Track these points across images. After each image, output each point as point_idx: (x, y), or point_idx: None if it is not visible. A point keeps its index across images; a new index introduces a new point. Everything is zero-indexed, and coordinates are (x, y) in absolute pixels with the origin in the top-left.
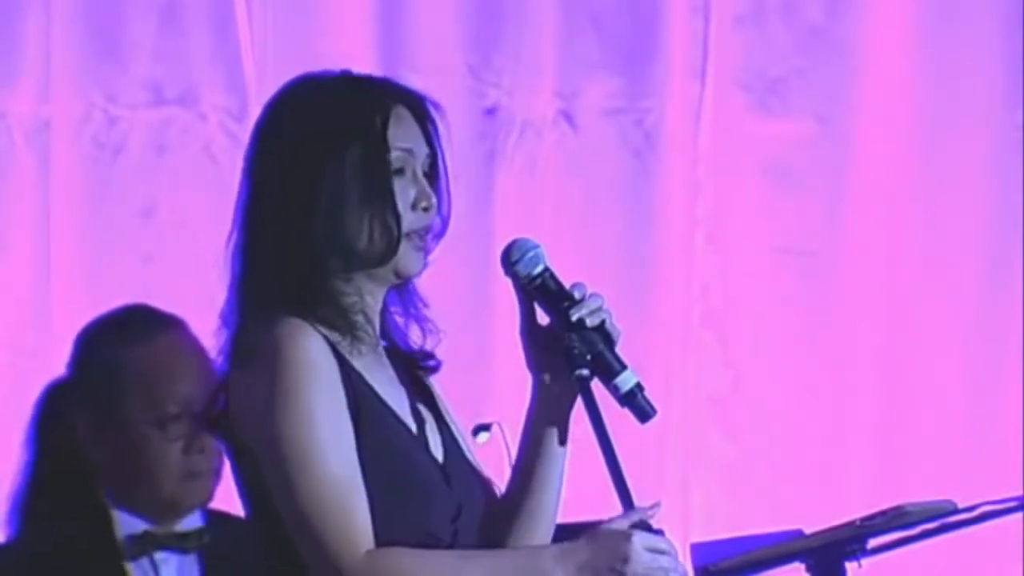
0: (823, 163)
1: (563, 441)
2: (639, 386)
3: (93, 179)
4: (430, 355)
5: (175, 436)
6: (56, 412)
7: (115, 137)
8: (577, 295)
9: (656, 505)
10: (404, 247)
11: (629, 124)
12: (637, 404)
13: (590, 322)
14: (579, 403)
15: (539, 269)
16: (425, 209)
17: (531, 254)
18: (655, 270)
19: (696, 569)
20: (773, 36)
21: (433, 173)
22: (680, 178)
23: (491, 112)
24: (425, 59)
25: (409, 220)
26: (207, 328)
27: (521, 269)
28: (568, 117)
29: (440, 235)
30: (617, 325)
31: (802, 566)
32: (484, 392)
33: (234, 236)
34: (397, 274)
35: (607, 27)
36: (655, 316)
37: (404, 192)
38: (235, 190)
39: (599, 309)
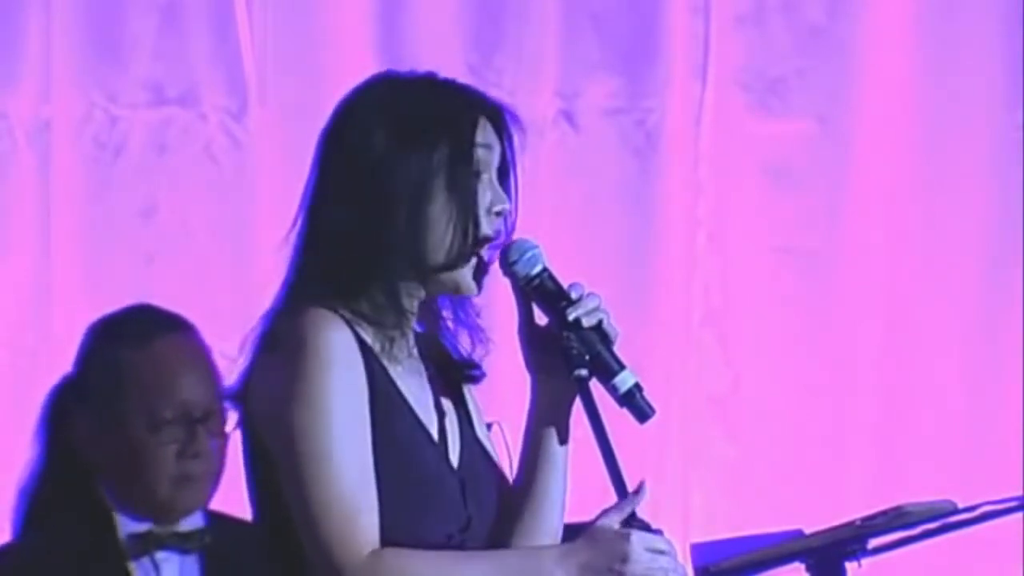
0: (823, 163)
1: (564, 440)
2: (637, 386)
3: (94, 179)
4: (476, 366)
5: (168, 440)
6: (63, 409)
7: (116, 137)
8: (575, 295)
9: (642, 487)
10: (469, 264)
11: (630, 124)
12: (636, 404)
13: (588, 322)
14: (579, 403)
15: (537, 269)
16: (498, 214)
17: (529, 254)
18: (655, 270)
19: (696, 569)
20: (773, 36)
21: (503, 183)
22: (681, 178)
23: None
24: (425, 59)
25: (483, 225)
26: (208, 328)
27: (519, 269)
28: (569, 117)
29: (499, 246)
30: (615, 325)
31: (802, 566)
32: (484, 392)
33: (299, 225)
34: (457, 289)
35: (608, 27)
36: (655, 316)
37: (481, 195)
38: (235, 190)
39: (597, 309)
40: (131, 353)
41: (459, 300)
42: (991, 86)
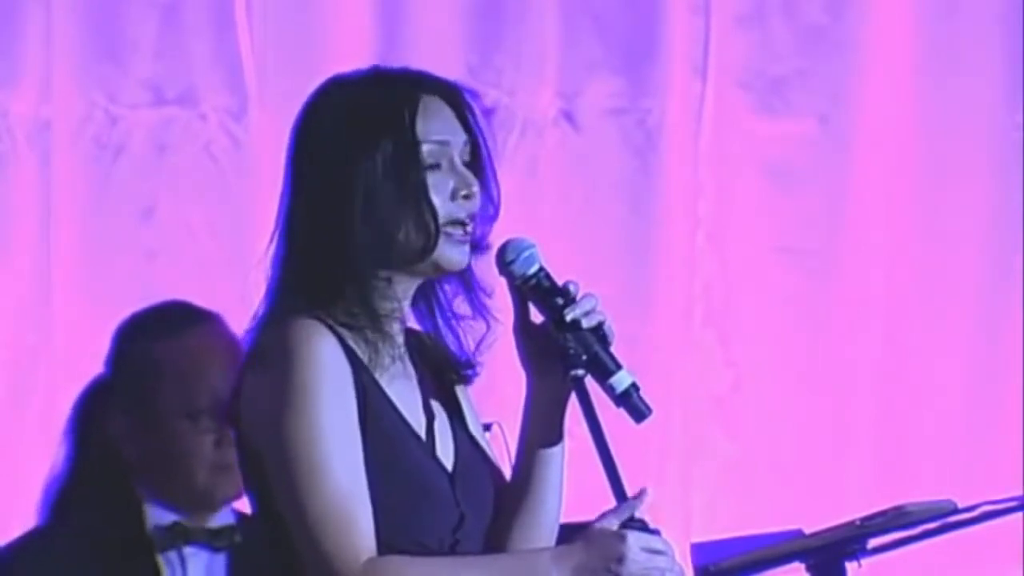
0: (824, 163)
1: (559, 438)
2: (634, 386)
3: (94, 179)
4: (470, 366)
5: (206, 428)
6: (94, 410)
7: (116, 137)
8: (572, 290)
9: (643, 492)
10: (443, 243)
11: (630, 124)
12: (632, 404)
13: (587, 323)
14: (576, 402)
15: (534, 269)
16: (466, 197)
17: (526, 254)
18: (656, 270)
19: (696, 569)
20: (774, 36)
21: (476, 160)
22: (681, 178)
23: (492, 112)
24: (425, 59)
25: (449, 210)
26: None
27: (516, 269)
28: (569, 117)
29: (492, 219)
30: (612, 326)
31: (802, 566)
32: (484, 392)
33: (275, 238)
34: (437, 269)
35: (608, 27)
36: (656, 316)
37: (443, 183)
38: (235, 190)
39: (594, 310)
40: (163, 345)
41: (470, 280)
42: (991, 86)
